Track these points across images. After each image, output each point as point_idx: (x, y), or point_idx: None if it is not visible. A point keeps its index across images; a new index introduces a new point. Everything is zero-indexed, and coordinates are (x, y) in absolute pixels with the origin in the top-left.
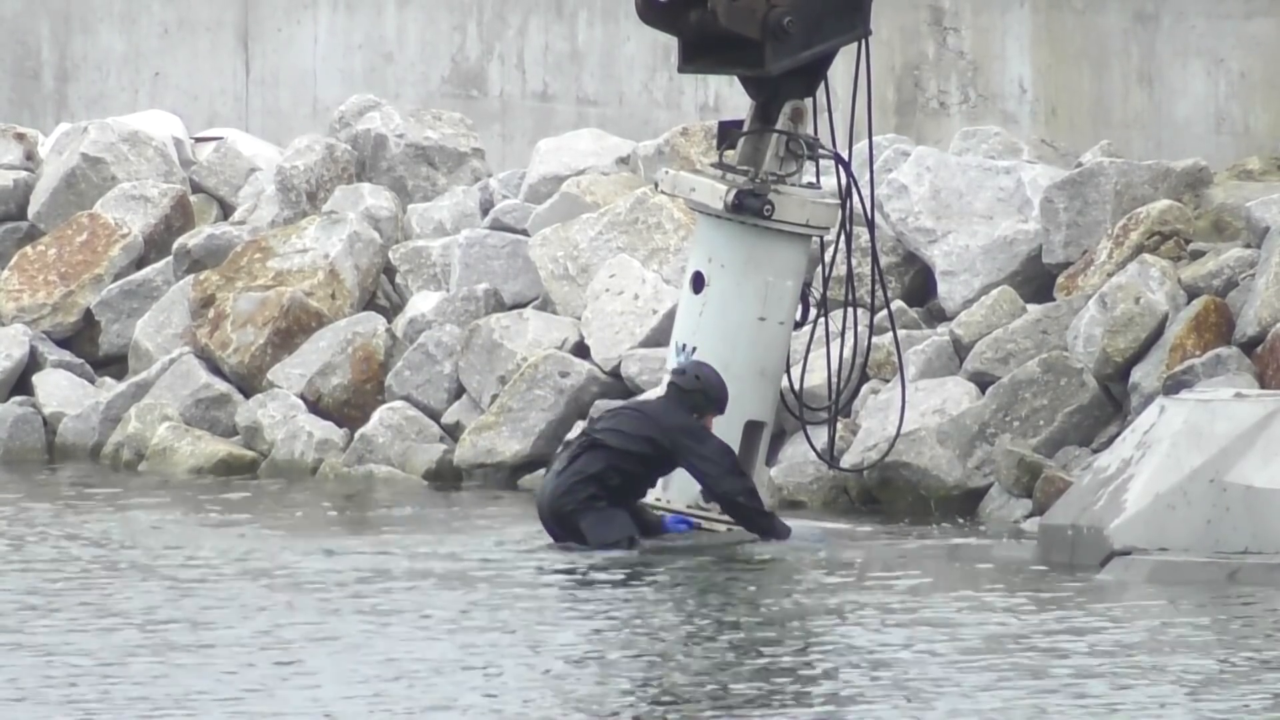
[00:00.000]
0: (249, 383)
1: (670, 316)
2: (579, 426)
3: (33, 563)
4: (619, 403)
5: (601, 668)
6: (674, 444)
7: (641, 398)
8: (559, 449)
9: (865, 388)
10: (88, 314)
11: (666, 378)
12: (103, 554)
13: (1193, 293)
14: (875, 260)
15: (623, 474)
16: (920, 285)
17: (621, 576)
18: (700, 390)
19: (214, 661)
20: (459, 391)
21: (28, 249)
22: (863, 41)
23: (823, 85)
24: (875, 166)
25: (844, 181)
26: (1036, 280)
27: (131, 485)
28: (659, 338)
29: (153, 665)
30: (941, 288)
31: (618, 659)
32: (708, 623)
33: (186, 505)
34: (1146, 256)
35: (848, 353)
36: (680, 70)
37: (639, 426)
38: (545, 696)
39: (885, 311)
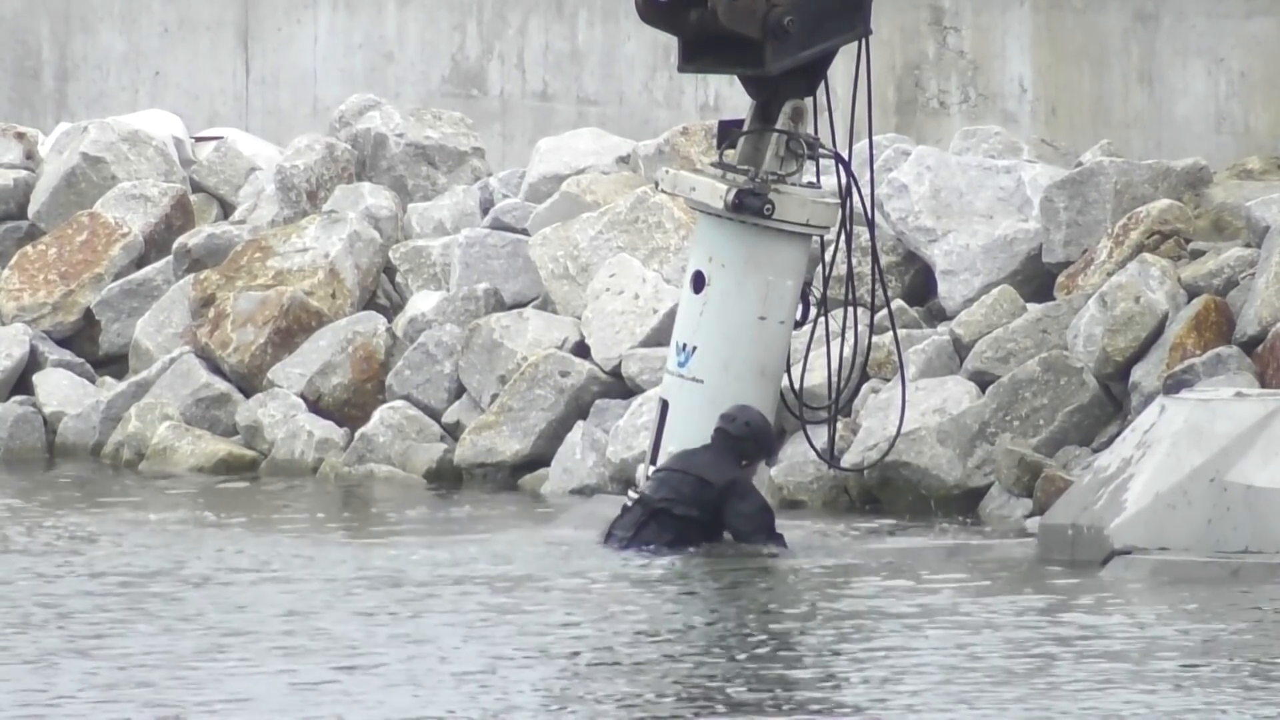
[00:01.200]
0: (249, 382)
1: (670, 316)
2: (579, 427)
3: (86, 566)
4: (669, 462)
5: (647, 670)
6: (720, 496)
7: (685, 455)
8: (619, 513)
9: (865, 387)
10: (88, 313)
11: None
12: (149, 559)
13: (1193, 292)
14: (875, 259)
15: (690, 543)
16: (920, 284)
17: (662, 580)
18: (750, 438)
19: (288, 665)
20: (459, 391)
21: (28, 248)
22: (863, 41)
23: (823, 85)
24: (875, 166)
25: (844, 181)
26: (1036, 280)
27: (139, 485)
28: (659, 337)
29: (229, 667)
30: (941, 287)
31: (664, 661)
32: (754, 626)
33: (199, 506)
34: (1146, 256)
35: (848, 352)
36: (680, 70)
37: (693, 490)
38: (603, 700)
39: (885, 311)
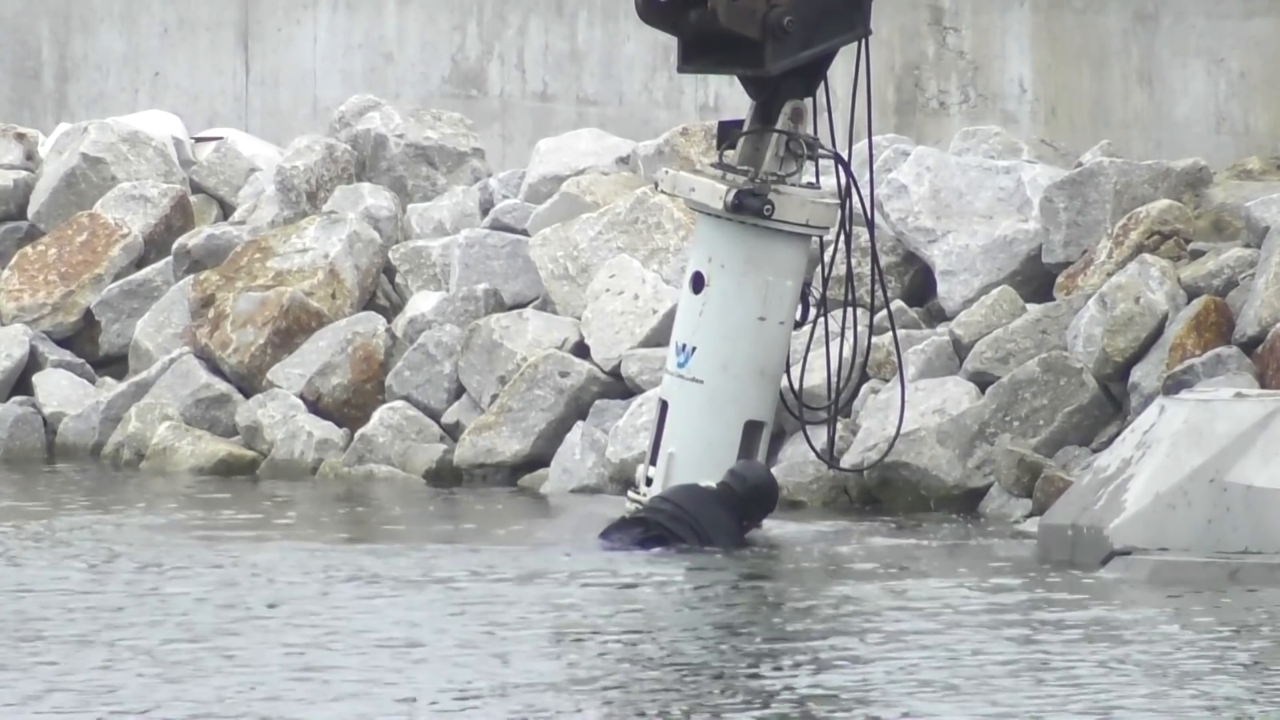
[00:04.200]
0: (249, 382)
1: (670, 316)
2: (579, 427)
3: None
4: (679, 497)
5: (689, 674)
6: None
7: (695, 496)
8: (618, 521)
9: (865, 387)
10: (88, 314)
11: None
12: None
13: (1193, 292)
14: (875, 260)
15: None
16: (920, 285)
17: (690, 581)
18: (755, 501)
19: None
20: (459, 391)
21: (28, 249)
22: (862, 41)
23: (823, 85)
24: (875, 166)
25: (844, 181)
26: (1036, 280)
27: (149, 486)
28: (659, 338)
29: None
30: (941, 287)
31: (704, 667)
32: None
33: (214, 508)
34: (1146, 256)
35: (847, 352)
36: (680, 70)
37: (696, 540)
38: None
39: (885, 311)
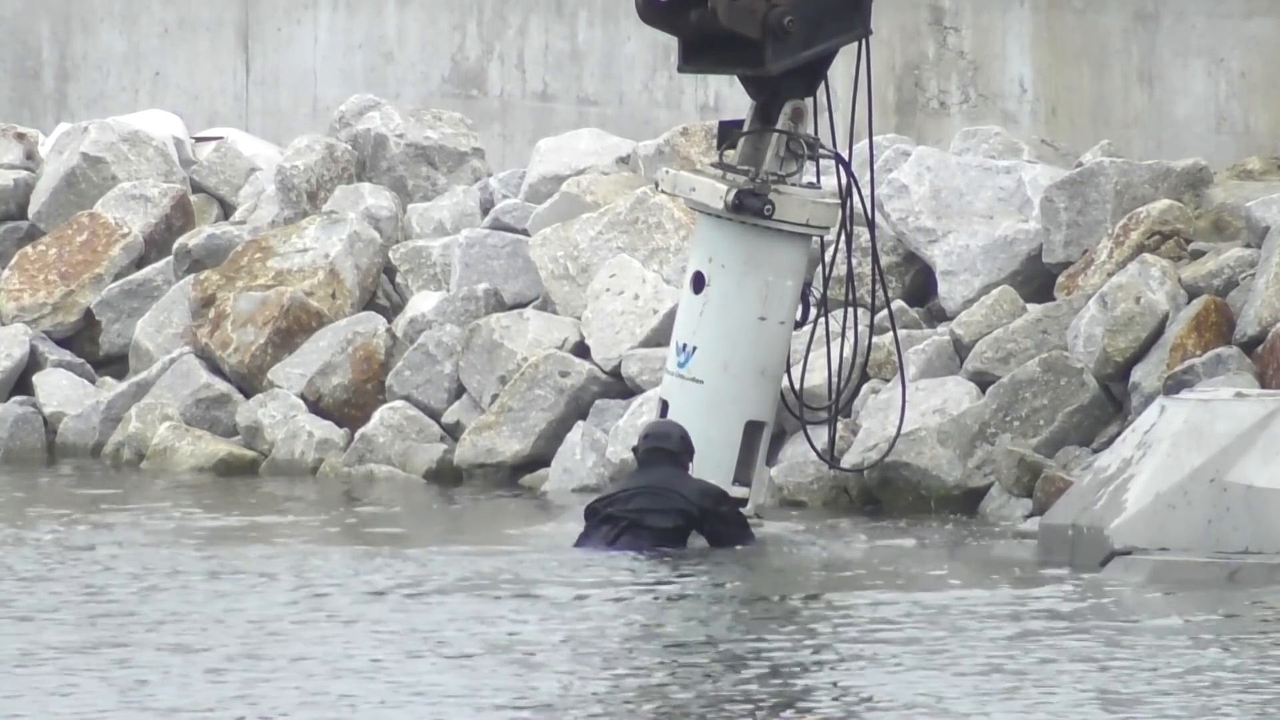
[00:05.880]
0: (249, 382)
1: (670, 316)
2: (579, 427)
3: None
4: (625, 484)
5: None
6: (700, 510)
7: (636, 475)
8: (584, 529)
9: (865, 387)
10: (88, 314)
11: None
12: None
13: (1193, 292)
14: (875, 260)
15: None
16: (920, 285)
17: (682, 585)
18: (686, 450)
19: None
20: (459, 391)
21: (28, 249)
22: (863, 41)
23: (823, 85)
24: (875, 166)
25: (844, 181)
26: (1037, 280)
27: (152, 486)
28: (659, 338)
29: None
30: (942, 287)
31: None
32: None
33: (234, 509)
34: (1147, 256)
35: (848, 352)
36: (680, 70)
37: (665, 502)
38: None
39: (885, 311)
